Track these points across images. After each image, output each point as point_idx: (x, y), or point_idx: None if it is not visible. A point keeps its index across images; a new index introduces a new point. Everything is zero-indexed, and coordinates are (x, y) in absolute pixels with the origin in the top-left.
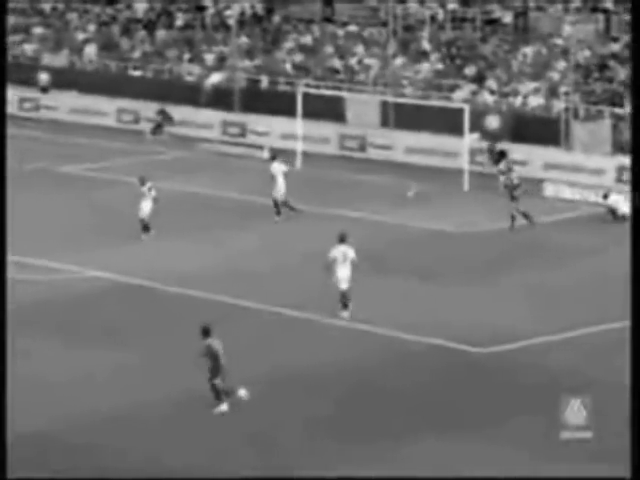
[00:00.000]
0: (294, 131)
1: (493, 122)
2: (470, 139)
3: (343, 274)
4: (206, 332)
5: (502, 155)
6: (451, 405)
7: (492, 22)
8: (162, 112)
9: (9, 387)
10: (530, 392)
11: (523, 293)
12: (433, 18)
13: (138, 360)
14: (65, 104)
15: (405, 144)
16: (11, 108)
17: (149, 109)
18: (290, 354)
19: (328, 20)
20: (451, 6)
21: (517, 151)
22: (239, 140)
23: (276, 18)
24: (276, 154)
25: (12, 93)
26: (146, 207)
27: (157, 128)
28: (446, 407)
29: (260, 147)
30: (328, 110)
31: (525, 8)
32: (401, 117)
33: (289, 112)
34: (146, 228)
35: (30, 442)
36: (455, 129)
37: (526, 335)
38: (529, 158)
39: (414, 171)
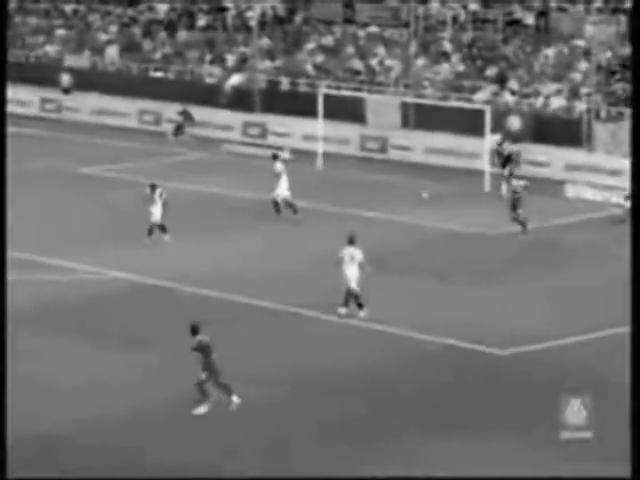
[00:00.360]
0: (315, 132)
1: (514, 123)
2: (491, 140)
3: (351, 274)
4: (194, 330)
5: (508, 160)
6: (468, 406)
7: (513, 23)
8: (184, 112)
9: (27, 388)
10: (546, 393)
11: (542, 294)
12: (454, 19)
13: (157, 361)
14: (87, 105)
15: (426, 145)
16: (33, 109)
17: (170, 110)
18: (306, 354)
19: (349, 21)
20: (472, 7)
21: (538, 152)
22: (260, 141)
23: (297, 19)
24: (277, 154)
25: (34, 94)
26: (157, 212)
27: (178, 129)
28: (463, 408)
29: (280, 148)
30: (349, 111)
31: (547, 9)
32: (422, 118)
33: (310, 113)
34: (163, 229)
35: (49, 443)
36: (476, 130)
37: (543, 336)
38: (550, 159)
39: (434, 172)
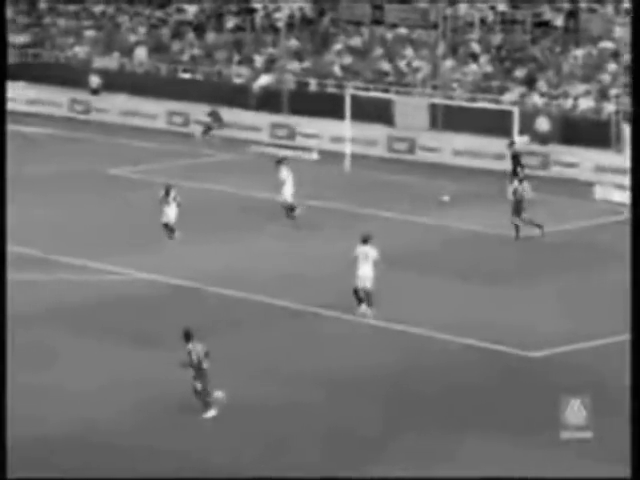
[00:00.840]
0: (343, 133)
1: (543, 124)
2: (519, 141)
3: (362, 272)
4: (187, 336)
5: (517, 160)
6: (491, 406)
7: (542, 24)
8: (213, 113)
9: (46, 388)
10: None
11: (565, 296)
12: (483, 20)
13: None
14: (115, 106)
15: (454, 146)
16: (63, 110)
17: (198, 111)
18: (329, 355)
19: (377, 22)
20: (501, 8)
21: (567, 154)
22: (288, 142)
23: (325, 20)
24: (283, 158)
25: (64, 95)
26: (171, 213)
27: (207, 130)
28: (486, 408)
29: (308, 149)
30: (377, 112)
31: (576, 10)
32: (450, 119)
33: (338, 114)
34: (171, 231)
35: (66, 442)
36: (504, 131)
37: (565, 338)
38: (579, 161)
39: (462, 173)
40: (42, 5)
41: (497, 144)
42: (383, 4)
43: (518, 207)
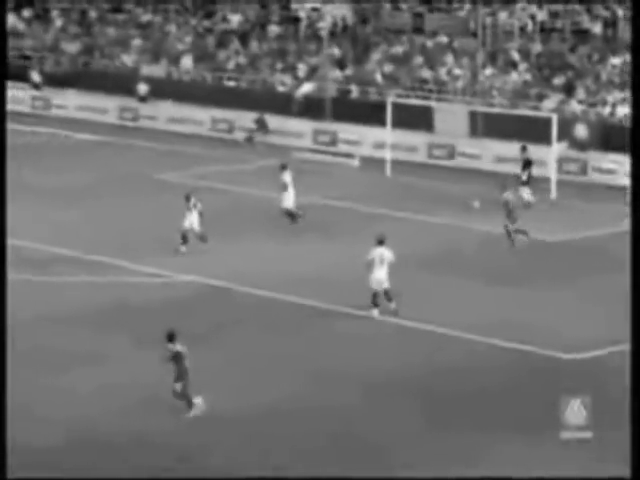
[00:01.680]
0: (384, 140)
1: (581, 131)
2: (558, 148)
3: (379, 275)
4: (171, 337)
5: (528, 165)
6: (519, 407)
7: (581, 32)
8: (259, 120)
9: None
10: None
11: (597, 299)
12: (522, 29)
13: (221, 361)
14: (162, 113)
15: (493, 153)
16: (111, 117)
17: (243, 118)
18: (360, 355)
19: (418, 31)
20: (540, 17)
21: (605, 160)
22: (330, 149)
23: (367, 29)
24: (286, 165)
25: (112, 102)
26: (193, 219)
27: (251, 136)
28: (515, 409)
29: (350, 155)
30: (417, 119)
31: (613, 18)
32: (489, 126)
33: (379, 121)
34: (185, 239)
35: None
36: (543, 138)
37: (595, 341)
38: (617, 167)
39: (501, 179)
40: (92, 15)
41: (536, 151)
42: (424, 13)
43: (510, 214)
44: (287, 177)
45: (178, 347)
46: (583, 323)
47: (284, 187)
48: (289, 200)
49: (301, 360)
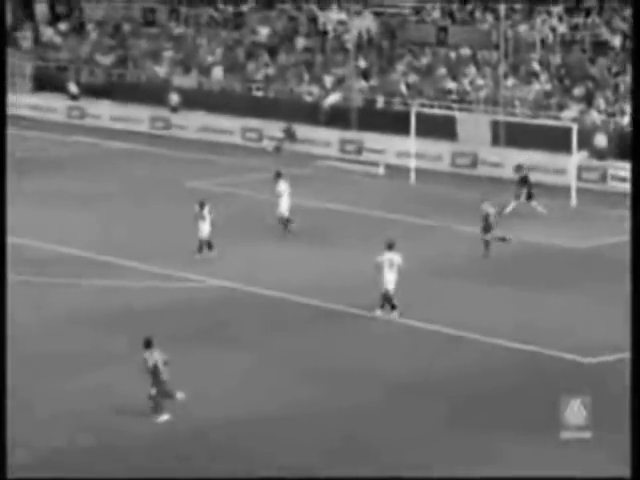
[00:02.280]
0: (408, 149)
1: (601, 140)
2: (578, 157)
3: (388, 278)
4: (147, 344)
5: (525, 181)
6: (537, 408)
7: (600, 44)
8: (287, 130)
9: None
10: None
11: (619, 304)
12: (543, 41)
13: (250, 363)
14: (193, 123)
15: (515, 161)
16: (144, 127)
17: (271, 128)
18: (390, 358)
19: (441, 43)
20: (560, 29)
21: (624, 169)
22: (356, 157)
23: (392, 42)
24: (281, 173)
25: (145, 112)
26: (205, 228)
27: (280, 145)
28: (532, 410)
29: (375, 164)
30: (441, 129)
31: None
32: (511, 135)
33: (403, 131)
34: (210, 246)
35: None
36: (564, 147)
37: (615, 347)
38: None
39: (482, 194)
40: (126, 28)
41: (557, 159)
42: (447, 26)
43: (487, 225)
44: (282, 186)
45: (155, 355)
46: (600, 327)
47: (278, 195)
48: (283, 207)
49: (318, 360)
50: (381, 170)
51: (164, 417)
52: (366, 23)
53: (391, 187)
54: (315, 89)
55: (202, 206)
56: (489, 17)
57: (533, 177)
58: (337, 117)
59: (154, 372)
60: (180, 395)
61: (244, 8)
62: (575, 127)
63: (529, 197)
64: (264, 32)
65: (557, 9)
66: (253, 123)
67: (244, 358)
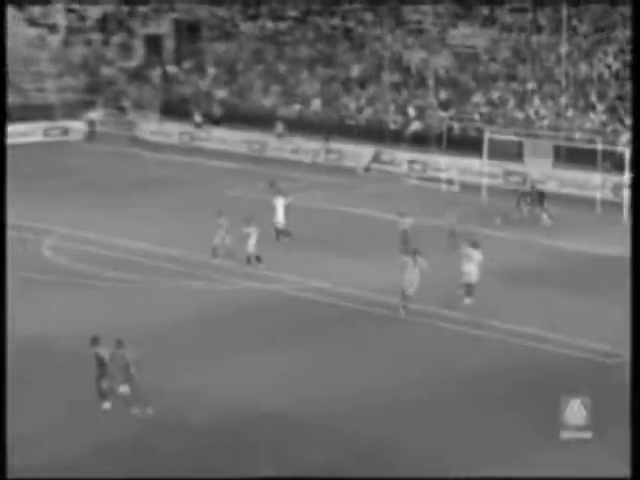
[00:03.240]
0: (481, 169)
1: None
2: (629, 177)
3: (410, 278)
4: (94, 341)
5: (543, 196)
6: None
7: None
8: (375, 153)
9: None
10: None
11: None
12: (600, 77)
13: (307, 364)
14: (297, 147)
15: (572, 180)
16: (243, 148)
17: (362, 151)
18: (445, 360)
19: (511, 78)
20: (615, 67)
21: None
22: (434, 175)
23: (466, 76)
24: (279, 188)
25: (253, 137)
26: (218, 238)
27: (369, 166)
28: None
29: (451, 182)
30: (509, 152)
31: None
32: (571, 158)
33: (477, 153)
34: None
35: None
36: (617, 169)
37: None
38: None
39: (579, 203)
40: (239, 66)
41: (611, 179)
42: (516, 64)
43: (406, 242)
44: (278, 201)
45: (102, 351)
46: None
47: (273, 209)
48: (278, 219)
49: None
50: (456, 188)
51: (107, 405)
52: (444, 61)
53: (465, 202)
54: (399, 117)
55: (220, 215)
56: (552, 56)
57: (588, 194)
58: (418, 142)
59: (101, 366)
60: (124, 389)
61: (339, 48)
62: (628, 151)
63: (541, 205)
64: (356, 69)
65: (612, 48)
66: (346, 147)
67: (299, 359)
